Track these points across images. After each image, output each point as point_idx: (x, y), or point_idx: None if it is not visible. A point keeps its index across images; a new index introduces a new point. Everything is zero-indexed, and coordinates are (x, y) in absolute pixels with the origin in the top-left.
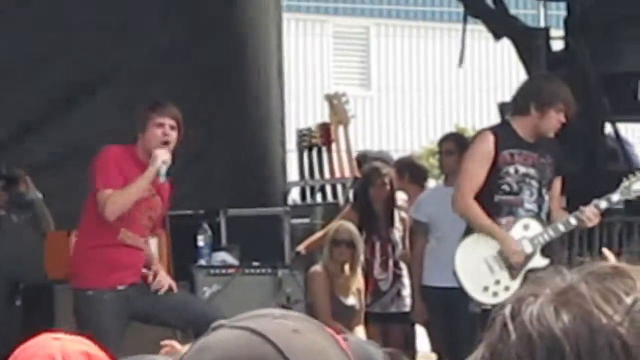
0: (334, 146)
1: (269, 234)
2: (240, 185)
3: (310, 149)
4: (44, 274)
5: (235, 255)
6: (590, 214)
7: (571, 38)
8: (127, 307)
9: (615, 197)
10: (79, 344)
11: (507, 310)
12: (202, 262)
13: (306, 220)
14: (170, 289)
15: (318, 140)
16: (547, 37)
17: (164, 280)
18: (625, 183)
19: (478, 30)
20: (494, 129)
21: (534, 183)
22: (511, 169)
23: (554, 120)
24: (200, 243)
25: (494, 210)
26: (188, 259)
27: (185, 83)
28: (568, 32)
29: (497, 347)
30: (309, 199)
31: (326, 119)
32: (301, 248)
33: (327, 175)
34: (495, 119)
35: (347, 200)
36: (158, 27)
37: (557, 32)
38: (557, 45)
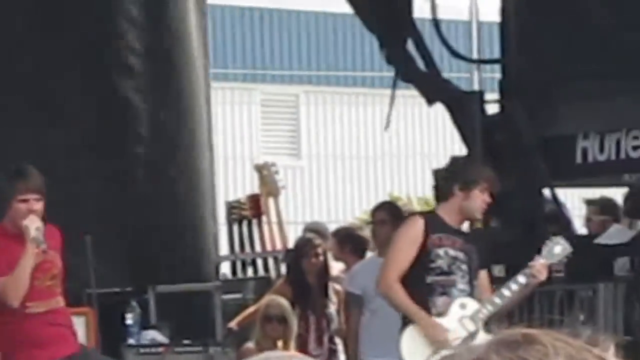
0: (264, 218)
1: (200, 311)
2: (169, 260)
3: (240, 222)
4: None
5: (165, 333)
6: (539, 266)
7: (507, 101)
8: None
9: (541, 260)
10: None
11: None
12: (132, 341)
13: (238, 296)
14: None
15: (248, 212)
16: (482, 101)
17: None
18: (546, 247)
19: (411, 96)
20: (423, 215)
21: (464, 267)
22: (441, 251)
23: (479, 200)
24: (129, 321)
25: (426, 291)
26: (117, 338)
27: None
28: (503, 95)
29: None
30: (240, 273)
31: (256, 190)
32: (233, 324)
33: (258, 248)
34: (429, 186)
35: (279, 273)
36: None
37: (492, 96)
38: (492, 108)
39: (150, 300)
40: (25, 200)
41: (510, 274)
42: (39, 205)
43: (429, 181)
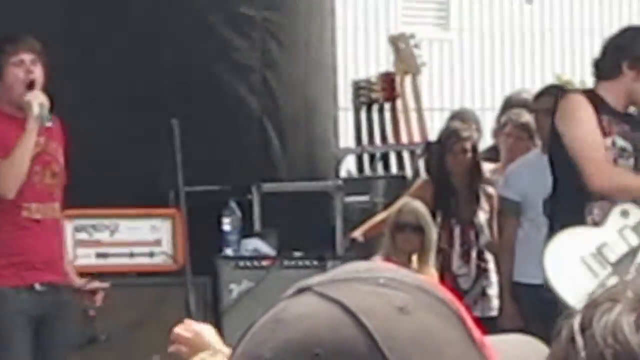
0: (399, 102)
1: (315, 216)
2: (277, 153)
3: (369, 106)
4: None
5: (271, 243)
6: None
7: None
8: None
9: None
10: None
11: (577, 320)
12: (229, 251)
13: (364, 198)
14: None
15: (379, 94)
16: None
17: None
18: None
19: None
20: (583, 93)
21: (630, 162)
22: (608, 141)
23: None
24: (227, 227)
25: (581, 192)
26: (210, 248)
27: None
28: None
29: None
30: (367, 171)
31: (390, 67)
32: (357, 234)
33: (390, 140)
34: None
35: (416, 172)
36: None
37: None
38: None
39: (254, 202)
40: (20, 63)
41: None
42: (37, 70)
43: None
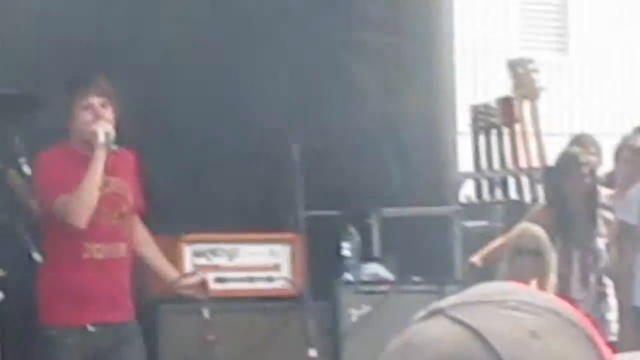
0: (518, 127)
1: (434, 241)
2: (397, 178)
3: (488, 131)
4: (147, 290)
5: (390, 267)
6: None
7: None
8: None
9: None
10: None
11: None
12: (349, 276)
13: (483, 223)
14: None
15: (498, 119)
16: None
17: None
18: None
19: None
20: None
21: None
22: None
23: None
24: (346, 252)
25: None
26: (330, 273)
27: None
28: None
29: None
30: (486, 195)
31: (509, 92)
32: (476, 259)
33: (509, 164)
34: None
35: (535, 196)
36: None
37: None
38: None
39: (373, 227)
40: (88, 107)
41: None
42: (107, 112)
43: None
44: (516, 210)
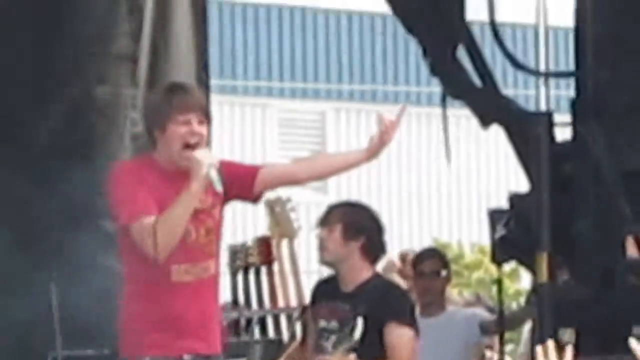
0: (275, 266)
1: None
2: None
3: (246, 270)
4: None
5: None
6: None
7: (581, 125)
8: None
9: None
10: None
11: None
12: None
13: None
14: None
15: (256, 258)
16: (550, 124)
17: None
18: None
19: (463, 116)
20: None
21: None
22: None
23: None
24: None
25: None
26: None
27: None
28: (577, 118)
29: None
30: (244, 335)
31: (266, 231)
32: None
33: (267, 304)
34: (485, 231)
35: (292, 335)
36: None
37: (562, 118)
38: (563, 134)
39: None
40: (185, 122)
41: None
42: (203, 130)
43: (485, 224)
44: (274, 349)
